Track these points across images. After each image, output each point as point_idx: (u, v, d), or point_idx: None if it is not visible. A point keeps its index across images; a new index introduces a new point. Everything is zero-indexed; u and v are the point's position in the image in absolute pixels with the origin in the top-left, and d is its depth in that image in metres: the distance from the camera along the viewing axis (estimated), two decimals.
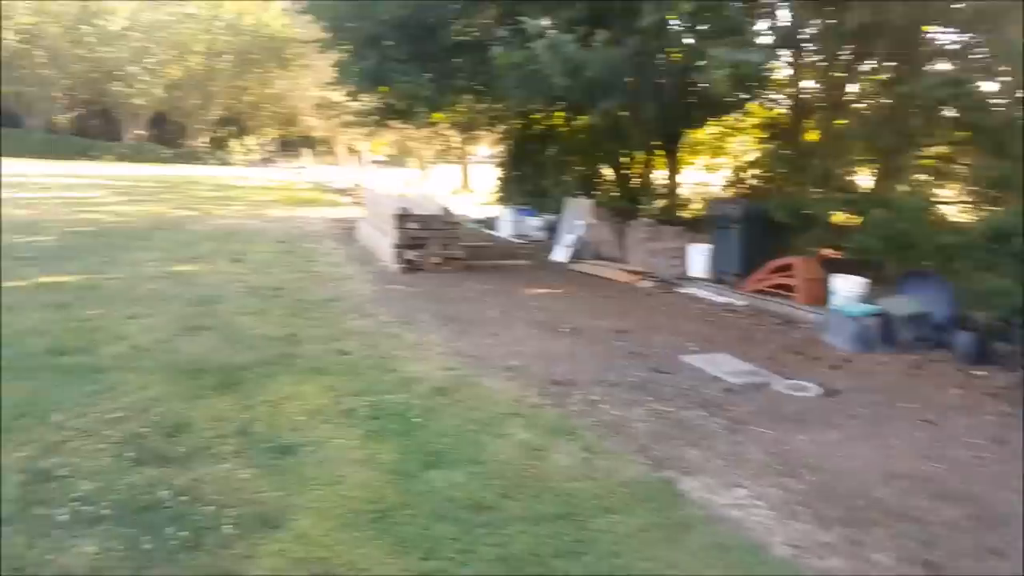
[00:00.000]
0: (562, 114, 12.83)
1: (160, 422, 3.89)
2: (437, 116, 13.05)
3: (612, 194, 13.13)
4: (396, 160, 54.29)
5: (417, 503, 3.15)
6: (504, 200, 16.18)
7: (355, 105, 13.70)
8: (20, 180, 21.28)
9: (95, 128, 45.35)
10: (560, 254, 11.08)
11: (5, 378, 4.42)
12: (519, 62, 7.26)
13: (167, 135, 47.48)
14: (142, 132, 45.95)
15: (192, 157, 44.41)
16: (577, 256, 10.80)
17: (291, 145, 57.03)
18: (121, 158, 40.82)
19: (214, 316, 6.38)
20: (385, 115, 12.93)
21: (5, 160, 31.87)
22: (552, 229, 12.53)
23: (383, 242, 10.08)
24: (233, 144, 49.30)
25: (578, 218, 11.36)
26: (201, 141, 47.75)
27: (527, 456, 3.72)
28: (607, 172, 13.76)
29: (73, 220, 12.93)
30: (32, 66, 39.68)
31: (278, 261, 9.68)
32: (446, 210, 9.94)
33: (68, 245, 10.00)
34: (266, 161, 50.41)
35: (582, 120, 12.77)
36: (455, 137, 23.49)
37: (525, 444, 3.87)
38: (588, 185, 13.53)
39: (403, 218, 9.22)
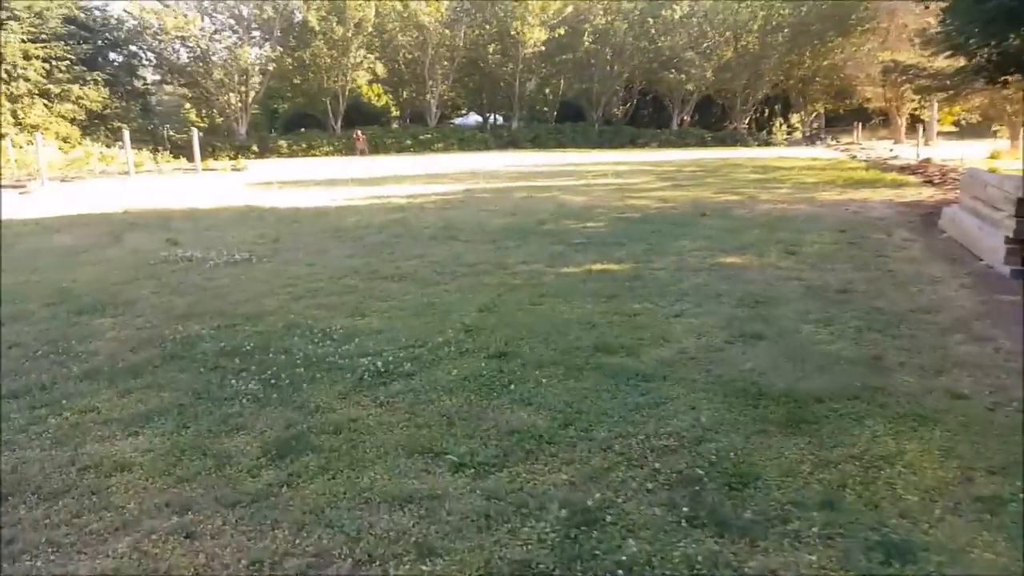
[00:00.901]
0: None
1: (717, 464, 3.26)
2: None
3: None
4: (971, 131, 46.81)
5: None
6: None
7: (942, 64, 11.40)
8: (576, 169, 24.80)
9: (645, 117, 50.95)
10: None
11: (555, 373, 4.43)
12: None
13: (710, 119, 50.32)
14: (687, 117, 49.55)
15: (732, 139, 45.96)
16: None
17: (837, 121, 54.60)
18: (664, 144, 44.75)
19: (770, 322, 5.65)
20: (997, 70, 10.40)
21: (570, 152, 37.78)
22: None
23: (986, 235, 8.03)
24: (775, 123, 49.44)
25: None
26: (742, 123, 49.06)
27: None
28: None
29: (621, 206, 13.98)
30: (600, 64, 46.50)
31: (840, 255, 8.52)
32: None
33: (616, 231, 10.65)
34: (810, 139, 49.15)
35: None
36: None
37: None
38: None
39: None
